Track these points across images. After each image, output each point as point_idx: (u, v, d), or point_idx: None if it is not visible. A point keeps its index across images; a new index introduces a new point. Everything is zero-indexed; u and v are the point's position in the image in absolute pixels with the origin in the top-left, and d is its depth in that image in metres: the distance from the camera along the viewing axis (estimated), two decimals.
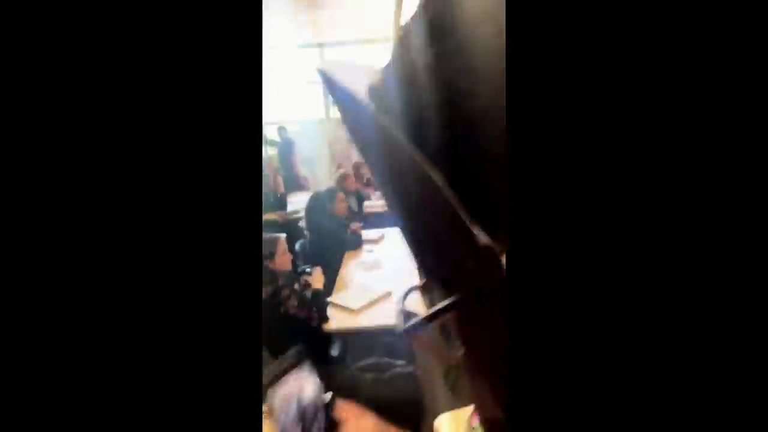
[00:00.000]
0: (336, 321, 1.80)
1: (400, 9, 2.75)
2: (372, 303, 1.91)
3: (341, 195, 2.91)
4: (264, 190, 4.09)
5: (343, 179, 3.91)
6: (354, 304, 1.87)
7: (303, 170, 6.05)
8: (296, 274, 1.98)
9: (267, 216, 3.89)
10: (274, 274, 1.86)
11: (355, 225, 2.98)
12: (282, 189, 4.24)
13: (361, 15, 4.69)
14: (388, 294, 1.99)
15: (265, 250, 1.86)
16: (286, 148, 5.95)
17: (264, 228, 3.63)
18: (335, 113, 6.22)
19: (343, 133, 6.21)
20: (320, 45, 5.90)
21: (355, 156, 6.05)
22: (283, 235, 1.95)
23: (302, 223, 3.99)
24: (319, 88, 6.13)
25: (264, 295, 1.80)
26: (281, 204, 4.05)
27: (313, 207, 2.86)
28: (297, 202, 4.36)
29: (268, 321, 1.80)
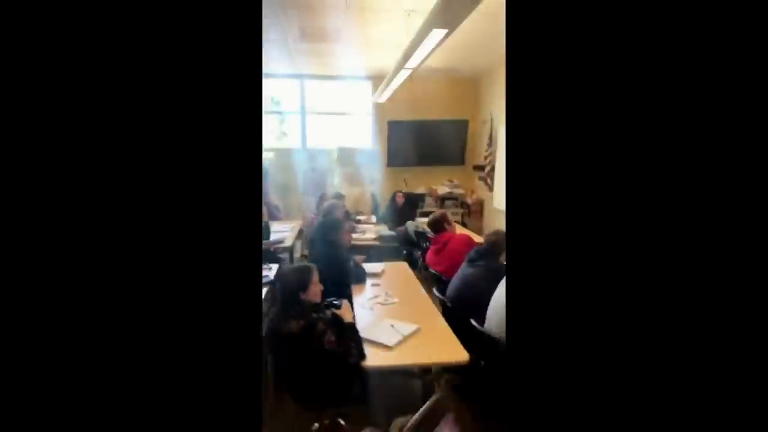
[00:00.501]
0: (372, 358, 1.71)
1: (416, 46, 2.83)
2: (405, 339, 1.84)
3: (348, 225, 2.83)
4: None
5: (333, 209, 3.84)
6: (388, 341, 1.79)
7: (275, 199, 5.88)
8: (324, 306, 1.88)
9: None
10: (306, 306, 1.75)
11: (359, 257, 2.90)
12: (267, 218, 4.08)
13: (342, 51, 4.76)
14: (418, 330, 1.93)
15: (299, 280, 1.76)
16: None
17: None
18: (310, 143, 6.18)
19: (316, 164, 6.16)
20: (299, 77, 5.90)
21: (330, 186, 6.00)
22: (314, 265, 1.85)
23: (284, 254, 3.85)
24: (296, 118, 6.09)
25: (296, 329, 1.68)
26: (265, 233, 3.88)
27: (317, 237, 2.75)
28: (273, 232, 4.21)
29: (301, 356, 1.68)
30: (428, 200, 6.14)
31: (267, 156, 6.04)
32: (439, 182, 6.33)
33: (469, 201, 6.07)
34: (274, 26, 3.99)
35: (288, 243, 3.93)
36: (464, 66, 5.50)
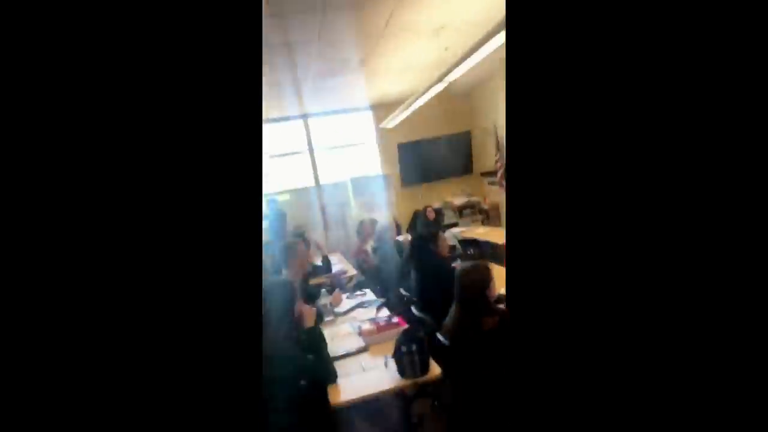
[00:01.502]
0: None
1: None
2: None
3: (443, 234, 2.86)
4: (309, 259, 3.87)
5: (387, 230, 3.86)
6: None
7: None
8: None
9: (316, 280, 3.64)
10: (491, 302, 1.77)
11: (454, 263, 2.93)
12: (325, 252, 4.06)
13: (344, 84, 4.84)
14: None
15: (483, 278, 1.77)
16: (278, 219, 5.70)
17: (314, 291, 3.37)
18: (323, 179, 6.19)
19: (333, 197, 6.16)
20: (304, 116, 5.97)
21: (349, 218, 6.00)
22: None
23: (356, 279, 3.81)
24: (306, 158, 6.11)
25: (494, 324, 1.69)
26: (327, 268, 3.84)
27: (417, 248, 2.77)
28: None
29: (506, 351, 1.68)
30: (447, 213, 6.25)
31: (283, 198, 5.99)
32: (450, 195, 6.47)
33: (486, 207, 6.23)
34: (287, 67, 4.03)
35: (351, 272, 3.89)
36: (454, 84, 5.75)
